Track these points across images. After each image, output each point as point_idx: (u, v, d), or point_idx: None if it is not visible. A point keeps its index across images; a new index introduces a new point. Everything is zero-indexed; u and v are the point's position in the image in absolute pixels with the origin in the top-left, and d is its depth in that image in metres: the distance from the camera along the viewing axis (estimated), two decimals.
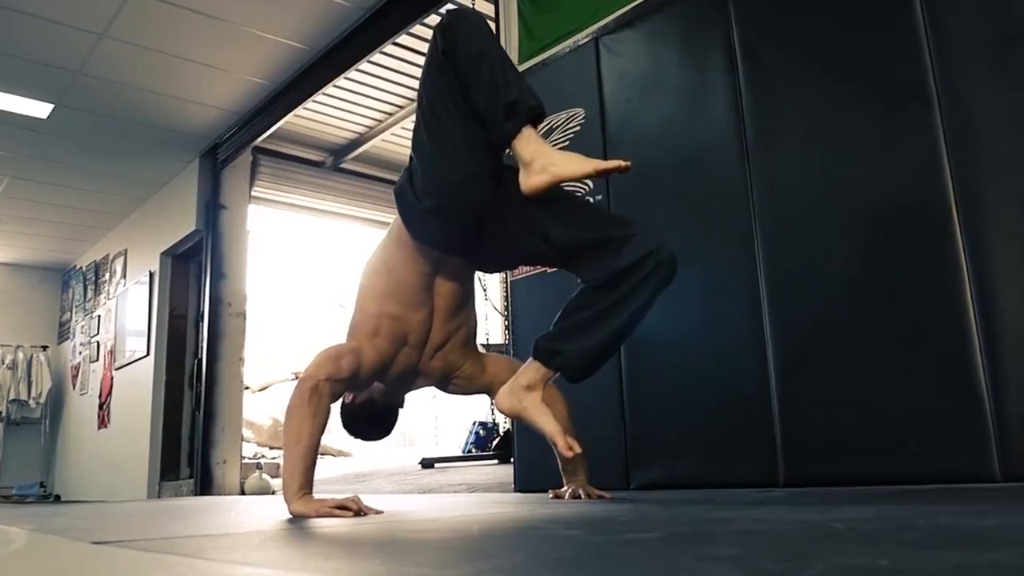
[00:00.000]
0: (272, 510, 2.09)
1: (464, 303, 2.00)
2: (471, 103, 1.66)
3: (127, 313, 6.64)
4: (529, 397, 1.75)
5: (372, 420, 2.07)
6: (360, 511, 1.65)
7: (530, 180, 1.62)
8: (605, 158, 2.80)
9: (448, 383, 2.06)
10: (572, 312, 1.74)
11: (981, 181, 1.93)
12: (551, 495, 2.11)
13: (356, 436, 2.14)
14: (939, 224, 1.96)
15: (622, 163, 1.57)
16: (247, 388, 6.24)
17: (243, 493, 5.23)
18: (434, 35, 1.71)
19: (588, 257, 1.71)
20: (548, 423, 1.73)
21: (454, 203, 1.76)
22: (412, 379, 2.01)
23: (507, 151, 1.70)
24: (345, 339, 1.91)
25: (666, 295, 2.59)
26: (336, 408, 1.92)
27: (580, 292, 1.75)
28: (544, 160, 1.60)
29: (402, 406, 2.11)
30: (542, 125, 1.75)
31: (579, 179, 1.62)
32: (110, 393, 6.80)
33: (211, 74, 4.70)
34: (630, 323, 1.71)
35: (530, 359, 1.77)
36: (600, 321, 1.69)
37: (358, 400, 2.03)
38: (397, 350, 1.89)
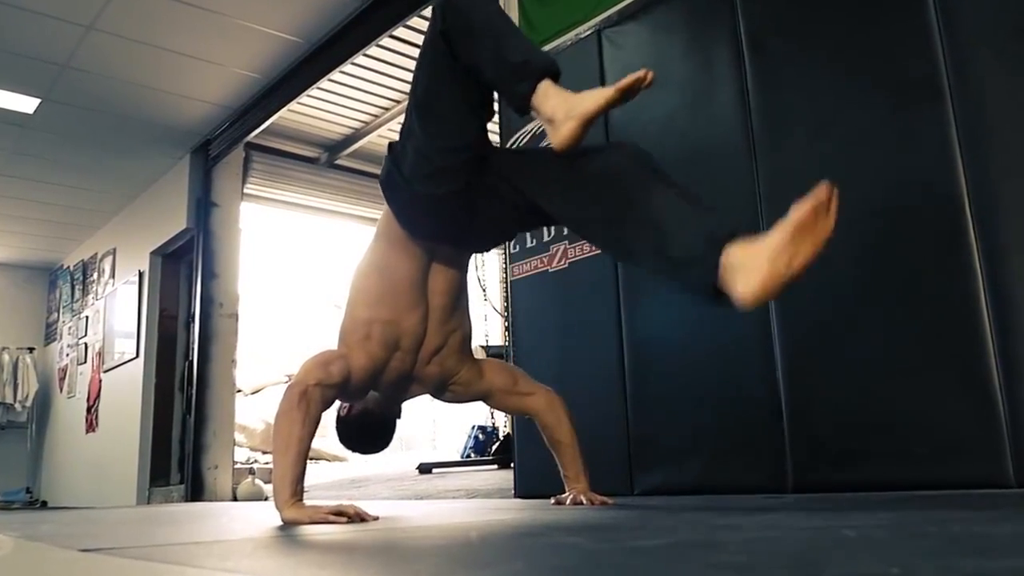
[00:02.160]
0: (265, 517, 2.09)
1: (458, 302, 2.00)
2: (481, 78, 1.60)
3: (116, 314, 6.64)
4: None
5: (368, 432, 2.08)
6: (355, 518, 1.65)
7: (559, 134, 1.49)
8: None
9: (444, 390, 2.07)
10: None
11: (995, 178, 1.93)
12: (552, 501, 2.11)
13: (353, 449, 2.15)
14: (952, 222, 1.96)
15: (640, 74, 1.45)
16: (239, 391, 6.24)
17: (235, 499, 5.23)
18: (433, 15, 1.66)
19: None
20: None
21: (443, 186, 1.75)
22: (407, 386, 2.01)
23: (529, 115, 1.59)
24: (336, 344, 1.92)
25: (670, 294, 2.60)
26: (330, 414, 1.92)
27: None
28: (566, 108, 1.48)
29: (399, 417, 2.11)
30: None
31: (605, 110, 1.48)
32: (98, 396, 6.80)
33: (202, 68, 4.70)
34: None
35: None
36: None
37: (354, 411, 2.04)
38: (389, 355, 1.89)
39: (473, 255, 2.08)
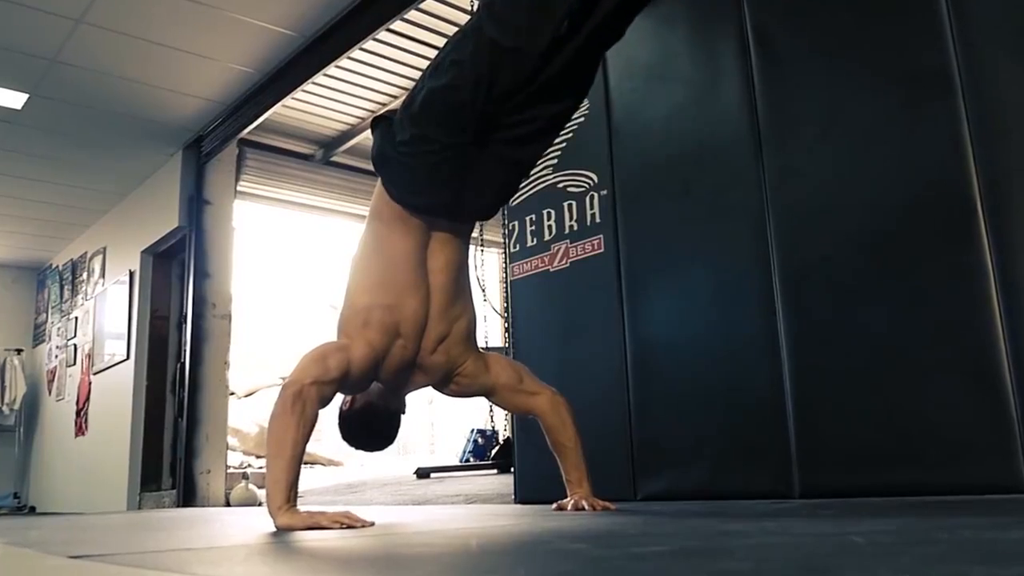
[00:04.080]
0: (258, 523, 2.09)
1: (460, 286, 2.00)
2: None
3: (106, 314, 6.64)
4: None
5: (372, 427, 2.07)
6: (351, 524, 1.65)
7: None
8: (610, 151, 2.83)
9: (449, 381, 2.06)
10: None
11: (1008, 175, 1.93)
12: (554, 507, 2.11)
13: (356, 446, 2.13)
14: (963, 221, 1.96)
15: None
16: (232, 394, 6.23)
17: (228, 504, 5.23)
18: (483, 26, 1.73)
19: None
20: None
21: (432, 154, 1.82)
22: (411, 376, 1.99)
23: None
24: (336, 337, 1.91)
25: (674, 295, 2.60)
26: (325, 415, 1.92)
27: None
28: None
29: (403, 411, 2.10)
30: None
31: None
32: (88, 399, 6.80)
33: (194, 62, 4.70)
34: None
35: None
36: None
37: (356, 405, 2.03)
38: (390, 342, 1.88)
39: (471, 232, 2.09)
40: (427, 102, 1.78)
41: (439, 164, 1.82)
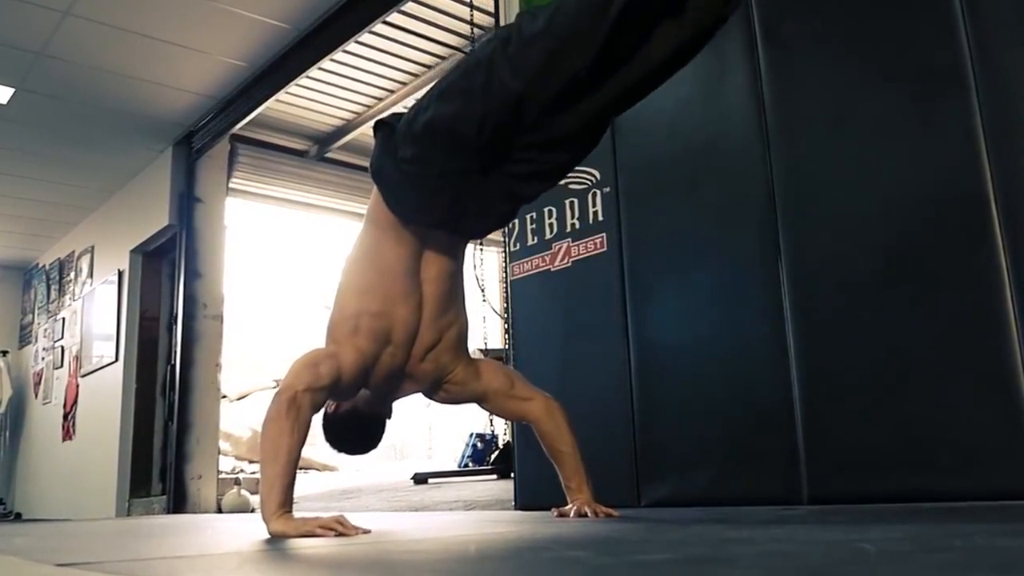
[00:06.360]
0: (251, 529, 2.09)
1: (453, 294, 2.01)
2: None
3: (94, 315, 6.64)
4: None
5: (357, 432, 2.08)
6: (346, 531, 1.65)
7: None
8: (613, 147, 2.83)
9: (439, 388, 2.07)
10: None
11: (1023, 174, 1.93)
12: (555, 513, 2.11)
13: (340, 450, 2.15)
14: (976, 220, 1.96)
15: None
16: (224, 397, 6.24)
17: (220, 511, 5.24)
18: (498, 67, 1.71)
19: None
20: None
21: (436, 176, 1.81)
22: (400, 383, 2.01)
23: None
24: (324, 342, 1.92)
25: (679, 295, 2.61)
26: (318, 420, 1.92)
27: None
28: None
29: (389, 416, 2.11)
30: None
31: None
32: (75, 402, 6.80)
33: (185, 55, 4.70)
34: None
35: None
36: None
37: (341, 410, 2.04)
38: (380, 350, 1.89)
39: (468, 241, 2.10)
40: (431, 126, 1.78)
41: (441, 187, 1.81)
